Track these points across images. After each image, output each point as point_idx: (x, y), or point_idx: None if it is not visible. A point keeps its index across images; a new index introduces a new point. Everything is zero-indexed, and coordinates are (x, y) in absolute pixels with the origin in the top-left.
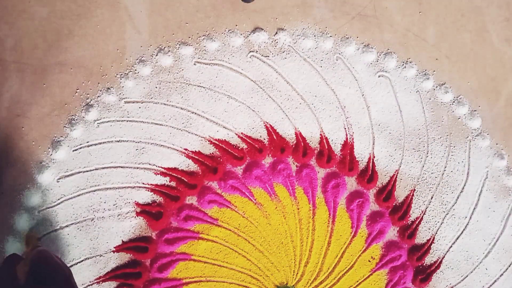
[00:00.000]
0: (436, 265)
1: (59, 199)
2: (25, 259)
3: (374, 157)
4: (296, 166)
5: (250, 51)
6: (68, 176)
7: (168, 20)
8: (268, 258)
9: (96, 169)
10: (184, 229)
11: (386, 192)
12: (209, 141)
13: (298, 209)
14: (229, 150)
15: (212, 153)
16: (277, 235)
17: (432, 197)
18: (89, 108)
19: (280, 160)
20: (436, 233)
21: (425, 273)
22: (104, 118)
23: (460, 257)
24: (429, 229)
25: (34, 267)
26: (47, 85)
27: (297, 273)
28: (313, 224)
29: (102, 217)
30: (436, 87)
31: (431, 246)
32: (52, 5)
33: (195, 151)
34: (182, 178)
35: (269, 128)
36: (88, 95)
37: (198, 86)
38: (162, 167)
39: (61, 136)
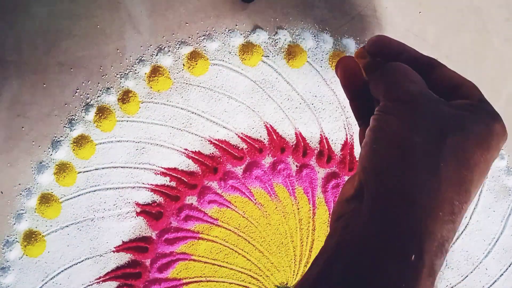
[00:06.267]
0: None
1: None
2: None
3: None
4: (296, 166)
5: None
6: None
7: (168, 20)
8: (268, 258)
9: (96, 169)
10: (184, 229)
11: None
12: (209, 141)
13: (298, 209)
14: (229, 150)
15: (212, 153)
16: (277, 235)
17: None
18: (89, 108)
19: (280, 160)
20: None
21: None
22: None
23: (460, 257)
24: None
25: (375, 51)
26: (47, 85)
27: (297, 273)
28: (313, 224)
29: (102, 217)
30: None
31: None
32: (52, 5)
33: (195, 151)
34: (182, 178)
35: (269, 128)
36: (88, 95)
37: (198, 86)
38: (162, 167)
39: (61, 136)
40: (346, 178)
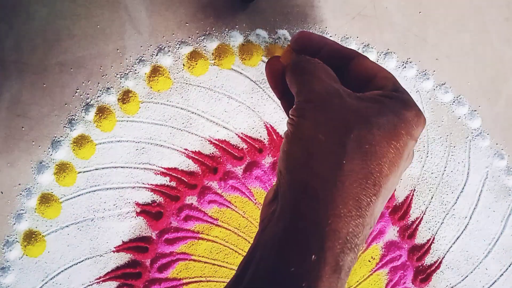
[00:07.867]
0: (436, 265)
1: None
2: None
3: None
4: None
5: None
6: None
7: (168, 20)
8: None
9: (96, 169)
10: (184, 229)
11: None
12: (209, 141)
13: None
14: (229, 150)
15: (212, 153)
16: None
17: (432, 197)
18: (89, 108)
19: None
20: (436, 233)
21: (425, 273)
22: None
23: (460, 257)
24: (429, 229)
25: (299, 48)
26: (47, 85)
27: None
28: None
29: (102, 217)
30: (436, 87)
31: (431, 246)
32: (52, 5)
33: (195, 151)
34: (182, 178)
35: (269, 128)
36: (88, 95)
37: (198, 86)
38: (162, 167)
39: (61, 136)
40: None
